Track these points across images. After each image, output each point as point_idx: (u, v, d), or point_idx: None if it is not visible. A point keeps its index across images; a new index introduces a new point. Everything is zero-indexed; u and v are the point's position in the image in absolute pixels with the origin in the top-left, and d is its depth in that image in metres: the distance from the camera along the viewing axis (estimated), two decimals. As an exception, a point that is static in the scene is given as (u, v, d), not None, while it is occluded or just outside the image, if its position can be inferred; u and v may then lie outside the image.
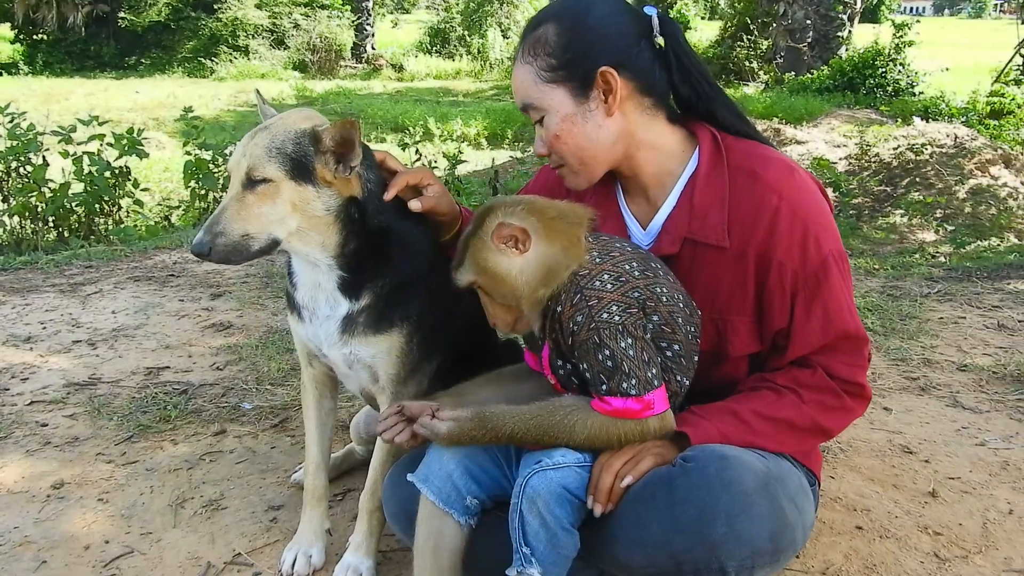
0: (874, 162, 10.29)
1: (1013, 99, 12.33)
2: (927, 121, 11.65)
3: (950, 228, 8.36)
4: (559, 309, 1.62)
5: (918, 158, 9.96)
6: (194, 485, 2.51)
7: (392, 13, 34.11)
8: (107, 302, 4.18)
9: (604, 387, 1.59)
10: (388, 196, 1.98)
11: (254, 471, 2.60)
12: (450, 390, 1.84)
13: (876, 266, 5.35)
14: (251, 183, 1.83)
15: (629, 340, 1.58)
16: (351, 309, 1.98)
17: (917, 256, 6.61)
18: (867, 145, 10.57)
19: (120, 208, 6.41)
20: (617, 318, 1.58)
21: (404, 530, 1.88)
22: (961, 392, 3.13)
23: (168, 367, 3.39)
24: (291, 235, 1.87)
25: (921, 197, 9.19)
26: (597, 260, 1.64)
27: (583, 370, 1.62)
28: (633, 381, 1.57)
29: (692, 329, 1.70)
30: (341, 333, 1.99)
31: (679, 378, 1.69)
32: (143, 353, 3.53)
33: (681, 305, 1.68)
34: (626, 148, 1.85)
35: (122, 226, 6.12)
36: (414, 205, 1.99)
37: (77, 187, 6.17)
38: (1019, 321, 3.89)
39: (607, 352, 1.57)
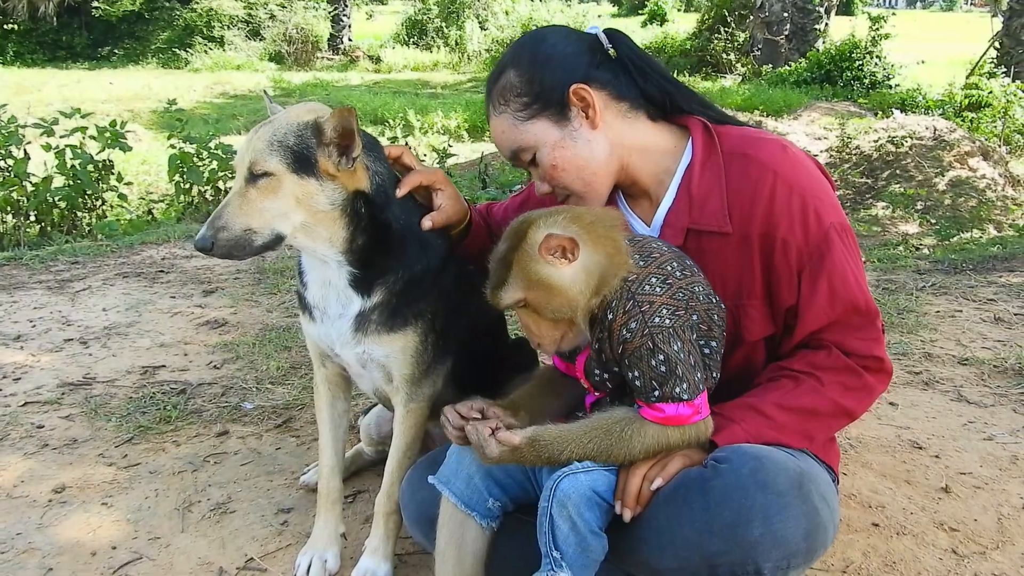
0: (855, 154, 10.34)
1: (990, 92, 12.42)
2: (905, 113, 11.73)
3: (932, 220, 8.43)
4: (610, 317, 1.59)
5: (898, 150, 10.03)
6: (200, 488, 2.47)
7: (367, 4, 33.84)
8: (97, 299, 4.11)
9: (656, 393, 1.56)
10: (400, 193, 1.95)
11: (260, 473, 2.55)
12: (517, 396, 1.79)
13: (864, 259, 5.37)
14: (253, 177, 1.80)
15: (680, 343, 1.56)
16: (364, 306, 1.94)
17: (901, 248, 6.65)
18: (848, 137, 10.62)
19: (104, 202, 6.31)
20: (668, 321, 1.56)
21: (425, 534, 1.86)
22: (964, 386, 3.14)
23: (164, 366, 3.33)
24: (296, 230, 1.84)
25: (902, 189, 9.25)
26: (641, 263, 1.61)
27: (632, 378, 1.59)
28: (685, 385, 1.56)
29: (723, 324, 1.69)
30: (354, 332, 1.95)
31: (714, 374, 1.68)
32: (137, 352, 3.47)
33: (713, 301, 1.66)
34: (620, 157, 1.87)
35: (106, 220, 6.02)
36: (425, 224, 1.99)
37: (58, 180, 6.07)
38: (1015, 315, 3.91)
39: (661, 357, 1.55)
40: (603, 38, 1.90)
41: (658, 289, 1.59)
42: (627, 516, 1.61)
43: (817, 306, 1.75)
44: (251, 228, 1.80)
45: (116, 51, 24.50)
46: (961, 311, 4.00)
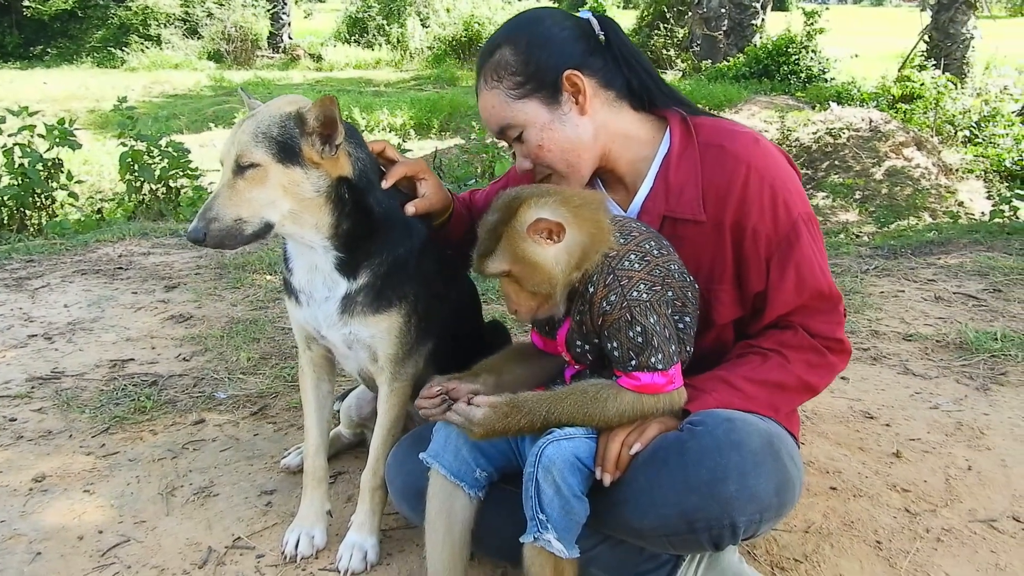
0: (795, 146, 10.61)
1: (922, 84, 12.81)
2: (841, 106, 12.04)
3: (871, 209, 8.69)
4: (591, 290, 1.69)
5: (836, 142, 10.32)
6: (181, 473, 2.51)
7: (307, 2, 33.54)
8: (57, 296, 4.09)
9: (633, 362, 1.66)
10: (386, 185, 2.02)
11: (240, 458, 2.60)
12: (483, 363, 1.89)
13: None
14: (240, 169, 1.86)
15: (656, 317, 1.66)
16: (349, 289, 2.01)
17: (842, 236, 6.86)
18: (788, 130, 10.89)
19: (54, 201, 6.24)
20: (645, 296, 1.66)
21: (412, 506, 1.93)
22: (910, 360, 3.31)
23: (132, 359, 3.35)
24: (284, 218, 1.90)
25: (841, 180, 9.52)
26: (622, 241, 1.71)
27: (611, 348, 1.69)
28: (660, 356, 1.66)
29: (696, 301, 1.79)
30: (340, 314, 2.02)
31: (688, 348, 1.78)
32: (103, 346, 3.48)
33: (688, 280, 1.77)
34: (603, 143, 1.94)
35: (57, 220, 5.95)
36: (409, 210, 2.05)
37: (5, 179, 5.99)
38: (953, 293, 4.10)
39: (639, 329, 1.65)
40: (595, 23, 1.95)
41: (636, 265, 1.69)
42: (607, 480, 1.70)
43: (785, 292, 1.85)
44: (241, 218, 1.86)
45: (49, 50, 23.94)
46: (903, 291, 4.18)
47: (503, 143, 2.09)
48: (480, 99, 1.97)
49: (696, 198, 1.87)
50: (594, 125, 1.91)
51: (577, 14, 1.98)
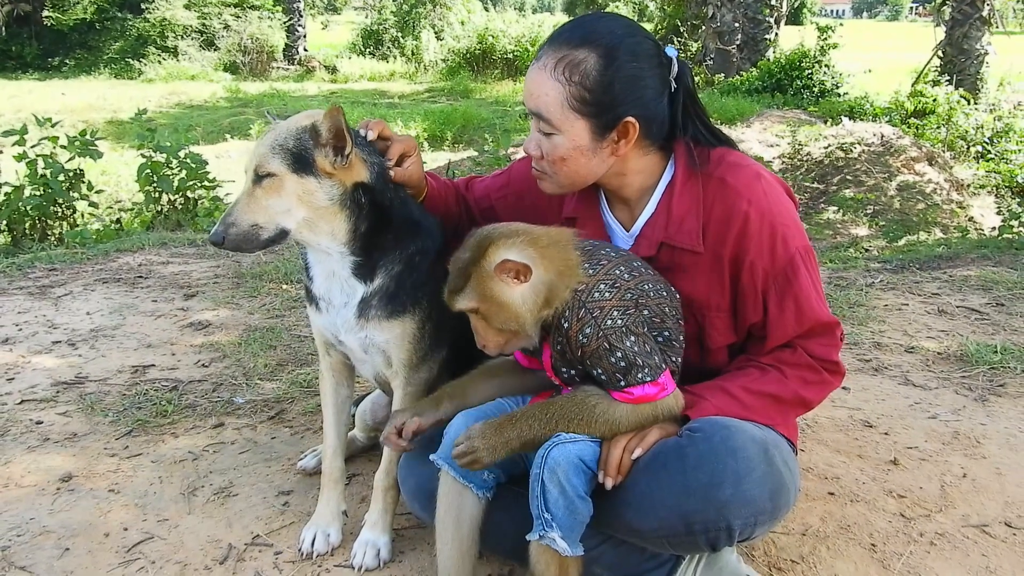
0: (806, 161, 10.68)
1: (935, 99, 12.86)
2: (853, 121, 12.11)
3: (881, 223, 8.75)
4: (566, 325, 1.77)
5: (848, 156, 10.38)
6: (202, 474, 2.61)
7: (322, 14, 33.86)
8: (79, 304, 4.20)
9: (622, 383, 1.76)
10: (391, 163, 2.11)
11: (259, 460, 2.70)
12: (447, 387, 2.01)
13: (818, 261, 5.62)
14: (259, 178, 1.98)
15: (633, 338, 1.75)
16: (366, 292, 2.11)
17: (851, 250, 6.92)
18: (799, 144, 10.96)
19: (75, 211, 6.37)
20: (620, 321, 1.75)
21: (423, 505, 2.02)
22: (911, 372, 3.38)
23: (153, 365, 3.45)
24: (299, 225, 2.01)
25: (852, 194, 9.58)
26: (591, 272, 1.79)
27: (598, 374, 1.78)
28: (646, 370, 1.75)
29: (676, 313, 1.88)
30: (357, 318, 2.12)
31: (673, 358, 1.86)
32: (126, 352, 3.58)
33: (665, 295, 1.85)
34: (616, 176, 1.99)
35: (78, 229, 6.08)
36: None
37: (27, 189, 6.12)
38: (957, 307, 4.17)
39: (619, 354, 1.74)
40: (675, 69, 1.92)
41: (607, 294, 1.77)
42: (608, 484, 1.78)
43: (785, 324, 1.93)
44: (257, 224, 1.98)
45: (67, 61, 24.31)
46: (907, 304, 4.25)
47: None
48: (535, 74, 1.88)
49: (696, 229, 1.93)
50: (615, 164, 1.95)
51: (664, 49, 1.93)
